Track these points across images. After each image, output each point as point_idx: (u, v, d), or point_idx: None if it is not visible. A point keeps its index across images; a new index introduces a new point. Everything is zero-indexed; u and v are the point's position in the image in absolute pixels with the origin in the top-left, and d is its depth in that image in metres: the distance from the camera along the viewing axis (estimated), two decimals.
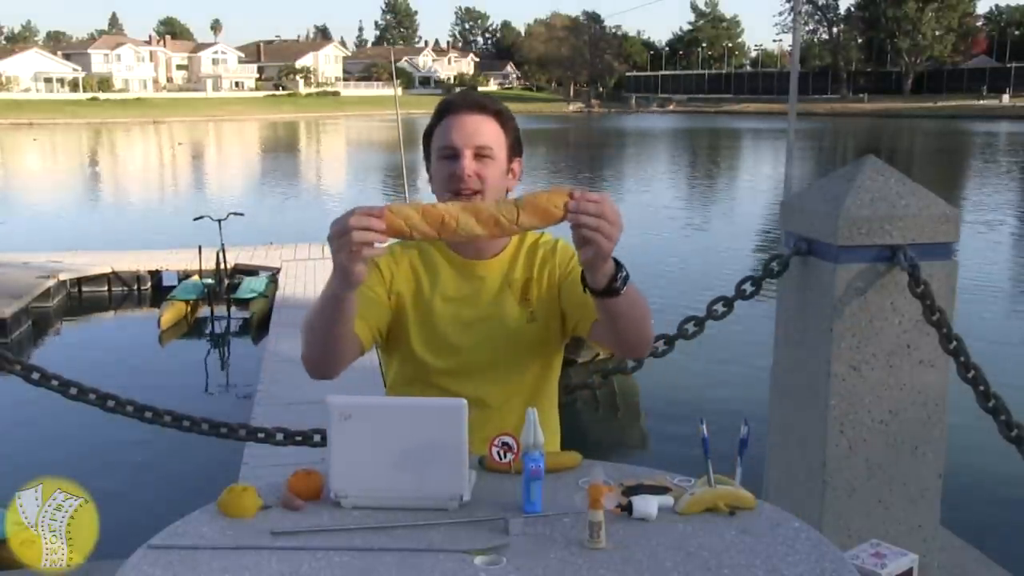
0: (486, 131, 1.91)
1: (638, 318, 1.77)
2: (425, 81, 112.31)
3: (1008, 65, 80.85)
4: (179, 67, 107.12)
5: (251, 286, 11.80)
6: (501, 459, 1.75)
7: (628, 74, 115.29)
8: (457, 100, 1.96)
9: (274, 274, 12.43)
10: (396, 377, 2.04)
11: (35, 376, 2.97)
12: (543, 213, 1.56)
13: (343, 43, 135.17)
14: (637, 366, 3.20)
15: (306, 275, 12.07)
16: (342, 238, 1.58)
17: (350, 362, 1.86)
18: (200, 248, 11.25)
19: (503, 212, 1.56)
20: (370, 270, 1.95)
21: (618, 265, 1.65)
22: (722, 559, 1.48)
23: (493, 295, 1.97)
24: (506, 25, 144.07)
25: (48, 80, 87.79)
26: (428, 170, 1.99)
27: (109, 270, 12.69)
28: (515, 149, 1.98)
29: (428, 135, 1.97)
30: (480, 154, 1.90)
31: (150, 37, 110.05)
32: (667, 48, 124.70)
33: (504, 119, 1.96)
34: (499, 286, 1.98)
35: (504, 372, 1.97)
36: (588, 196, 1.55)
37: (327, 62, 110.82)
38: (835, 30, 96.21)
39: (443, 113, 1.95)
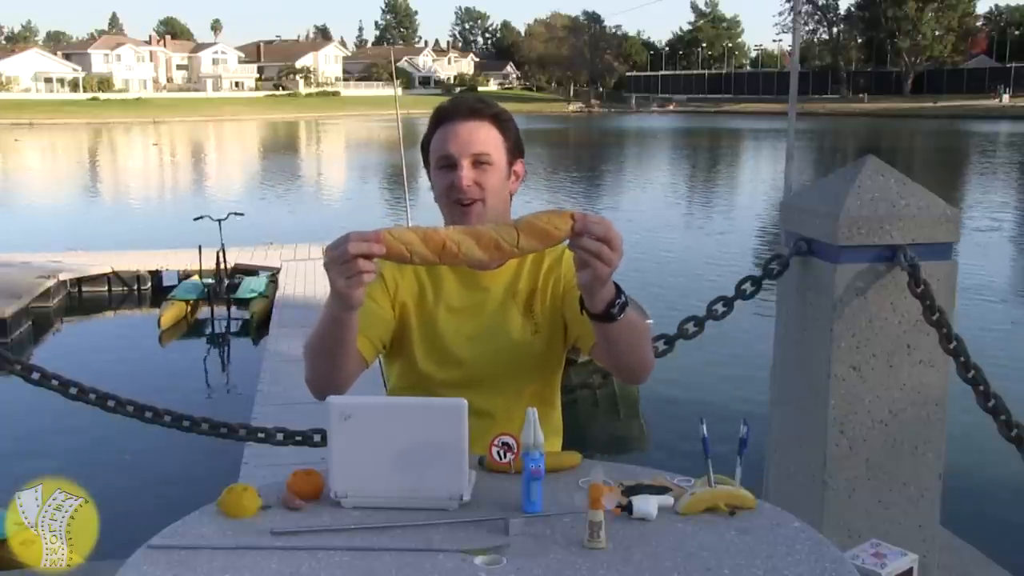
0: (483, 138, 1.88)
1: (636, 343, 1.75)
2: (425, 81, 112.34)
3: (1008, 65, 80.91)
4: (179, 67, 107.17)
5: (251, 286, 11.80)
6: (501, 459, 1.75)
7: (628, 74, 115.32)
8: (452, 107, 1.92)
9: (274, 274, 12.44)
10: (397, 385, 2.02)
11: (35, 376, 2.97)
12: (543, 235, 1.54)
13: (343, 43, 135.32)
14: None
15: (306, 275, 12.07)
16: (342, 265, 1.55)
17: (354, 379, 1.84)
18: (200, 248, 11.25)
19: (503, 236, 1.55)
20: (374, 280, 1.94)
21: (618, 290, 1.62)
22: (722, 559, 1.48)
23: (497, 306, 1.94)
24: (506, 25, 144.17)
25: (48, 80, 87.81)
26: (429, 178, 1.97)
27: (109, 270, 12.70)
28: (515, 151, 1.95)
29: (425, 144, 1.95)
30: (478, 161, 1.87)
31: (150, 37, 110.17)
32: (667, 48, 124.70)
33: (502, 122, 1.92)
34: (503, 297, 1.95)
35: (507, 383, 1.94)
36: (592, 218, 1.52)
37: (327, 62, 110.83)
38: (835, 30, 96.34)
39: (439, 121, 1.92)
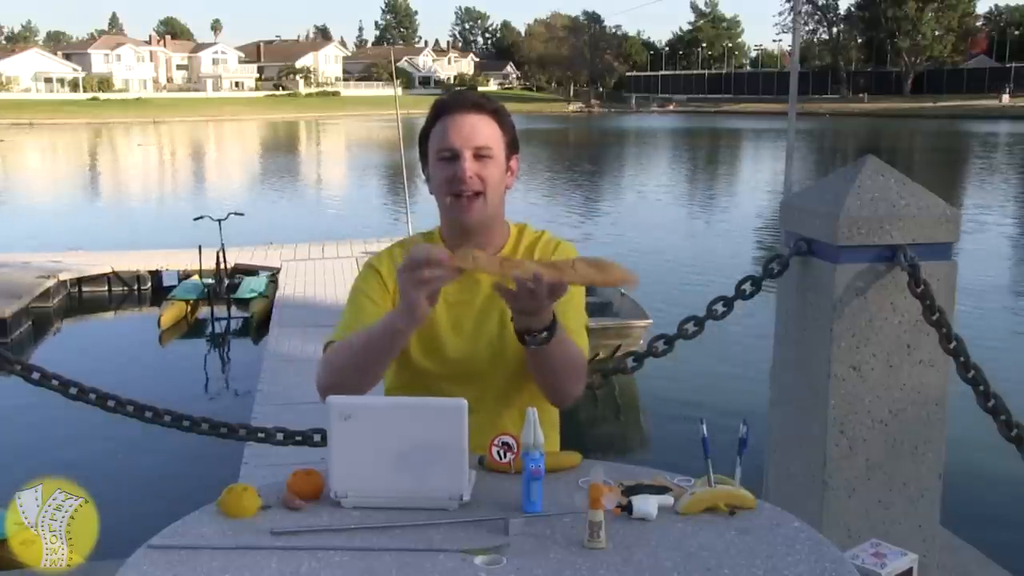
0: (484, 131, 1.90)
1: (558, 369, 1.82)
2: (425, 81, 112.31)
3: (1008, 65, 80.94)
4: (179, 67, 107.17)
5: (251, 286, 11.80)
6: (501, 459, 1.75)
7: (628, 74, 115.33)
8: (453, 100, 1.93)
9: (274, 274, 12.44)
10: (394, 382, 2.03)
11: (35, 376, 2.97)
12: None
13: (343, 43, 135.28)
14: (637, 366, 3.19)
15: (306, 275, 12.07)
16: (411, 272, 1.65)
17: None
18: (200, 248, 11.25)
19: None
20: (372, 278, 1.96)
21: (546, 328, 1.70)
22: (722, 559, 1.48)
23: (488, 298, 1.95)
24: (506, 25, 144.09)
25: (48, 80, 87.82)
26: (424, 170, 1.97)
27: (109, 270, 12.70)
28: (512, 146, 1.96)
29: (424, 137, 1.95)
30: (480, 155, 1.88)
31: (150, 37, 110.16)
32: (667, 48, 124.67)
33: (501, 117, 1.94)
34: (492, 290, 1.96)
35: (502, 376, 1.95)
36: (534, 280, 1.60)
37: (327, 62, 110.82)
38: (835, 30, 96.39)
39: (439, 114, 1.92)
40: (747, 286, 3.05)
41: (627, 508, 1.59)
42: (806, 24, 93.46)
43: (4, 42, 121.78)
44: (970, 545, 3.45)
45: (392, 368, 2.02)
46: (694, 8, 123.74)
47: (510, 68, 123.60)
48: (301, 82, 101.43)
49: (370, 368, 1.81)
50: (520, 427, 1.66)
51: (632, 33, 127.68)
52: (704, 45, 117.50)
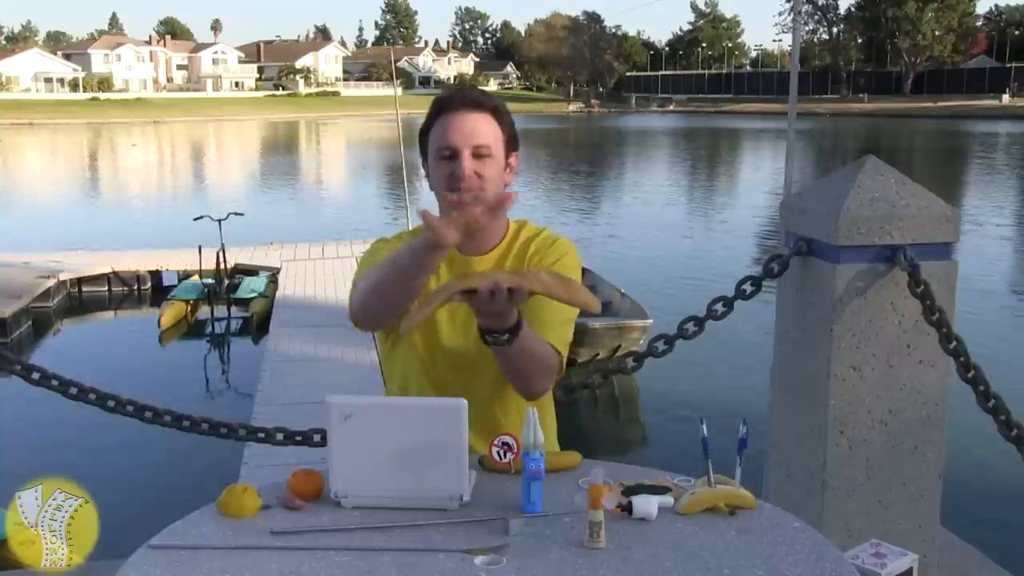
0: (484, 130, 1.91)
1: (522, 368, 1.83)
2: (425, 81, 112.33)
3: (1008, 65, 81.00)
4: (179, 67, 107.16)
5: (251, 286, 11.80)
6: (501, 459, 1.75)
7: (628, 74, 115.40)
8: (453, 98, 1.95)
9: (274, 274, 12.44)
10: (395, 377, 2.04)
11: (35, 376, 2.97)
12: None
13: (343, 43, 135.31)
14: (637, 366, 3.19)
15: (306, 275, 12.07)
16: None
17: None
18: (200, 248, 11.25)
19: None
20: (385, 244, 2.01)
21: (509, 330, 1.72)
22: (722, 559, 1.48)
23: None
24: (506, 25, 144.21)
25: (48, 80, 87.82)
26: (424, 166, 1.98)
27: (109, 270, 12.69)
28: (512, 144, 1.98)
29: (424, 133, 1.97)
30: (479, 153, 1.89)
31: (150, 37, 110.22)
32: (667, 48, 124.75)
33: (500, 115, 1.95)
34: None
35: (493, 367, 1.95)
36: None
37: (327, 62, 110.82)
38: (835, 30, 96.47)
39: (440, 111, 1.94)
40: (747, 286, 3.05)
41: (627, 508, 1.59)
42: (806, 24, 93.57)
43: (4, 42, 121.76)
44: (970, 545, 3.45)
45: (394, 362, 2.03)
46: (694, 8, 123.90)
47: (510, 68, 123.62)
48: (301, 82, 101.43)
49: (402, 284, 1.75)
50: (512, 418, 1.66)
51: (632, 33, 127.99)
52: (704, 45, 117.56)
